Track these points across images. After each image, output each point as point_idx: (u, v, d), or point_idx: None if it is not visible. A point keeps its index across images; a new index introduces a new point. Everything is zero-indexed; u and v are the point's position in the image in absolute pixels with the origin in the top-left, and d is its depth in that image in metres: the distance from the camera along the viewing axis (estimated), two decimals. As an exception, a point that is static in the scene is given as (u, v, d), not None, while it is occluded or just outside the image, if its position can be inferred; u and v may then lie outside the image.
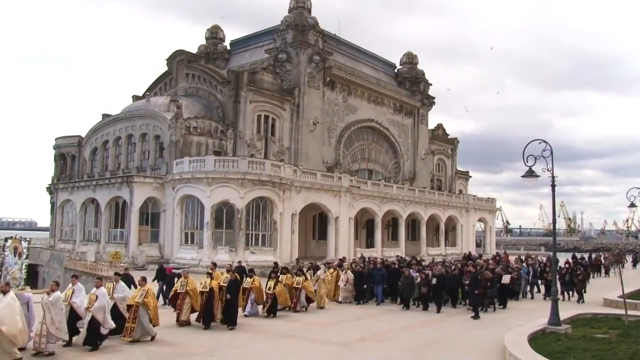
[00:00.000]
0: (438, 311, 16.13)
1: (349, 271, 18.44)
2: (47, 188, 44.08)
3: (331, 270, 18.88)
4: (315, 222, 42.63)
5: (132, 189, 32.40)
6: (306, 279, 16.30)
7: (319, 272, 17.90)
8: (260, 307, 15.01)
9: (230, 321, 13.00)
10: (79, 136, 43.24)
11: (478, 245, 57.75)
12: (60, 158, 44.20)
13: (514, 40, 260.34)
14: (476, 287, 15.61)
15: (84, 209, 36.70)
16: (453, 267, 19.63)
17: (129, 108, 40.42)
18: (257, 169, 31.20)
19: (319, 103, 44.06)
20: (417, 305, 17.01)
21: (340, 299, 17.97)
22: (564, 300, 18.89)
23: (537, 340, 11.05)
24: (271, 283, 15.12)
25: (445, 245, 50.53)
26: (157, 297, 16.04)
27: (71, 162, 43.44)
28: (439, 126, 60.82)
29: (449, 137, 61.77)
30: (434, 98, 57.78)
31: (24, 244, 11.95)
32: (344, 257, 24.80)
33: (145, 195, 32.64)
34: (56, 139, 44.80)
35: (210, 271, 14.11)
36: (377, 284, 18.15)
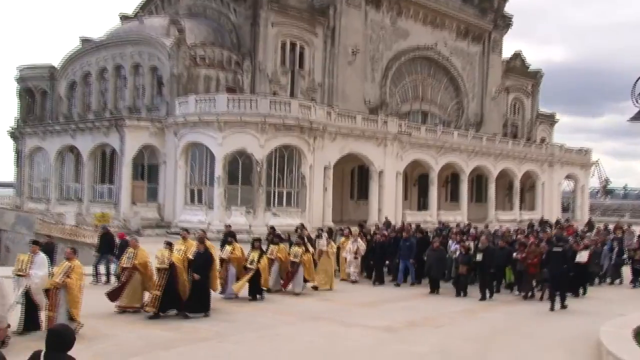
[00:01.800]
0: (482, 298, 15.37)
1: (359, 240, 18.05)
2: (9, 132, 41.87)
3: (343, 239, 18.51)
4: (354, 178, 42.54)
5: (122, 135, 32.67)
6: (307, 250, 15.71)
7: (320, 242, 17.25)
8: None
9: (198, 306, 12.08)
10: (51, 66, 42.45)
11: (565, 209, 56.65)
12: (27, 94, 42.83)
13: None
14: (562, 262, 14.74)
15: (60, 160, 37.43)
16: (511, 237, 18.93)
17: (117, 31, 40.40)
18: (282, 111, 30.97)
19: (360, 26, 42.91)
20: (458, 292, 16.15)
21: (352, 277, 17.77)
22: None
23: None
24: (254, 255, 14.41)
25: (521, 209, 49.79)
26: (96, 276, 16.23)
27: (41, 99, 42.99)
28: (517, 55, 58.62)
29: (530, 69, 59.62)
30: (510, 18, 55.39)
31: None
32: (386, 220, 24.57)
33: (139, 142, 32.92)
34: (20, 70, 43.19)
35: (182, 238, 13.58)
36: (403, 259, 17.57)
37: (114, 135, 33.15)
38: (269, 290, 14.87)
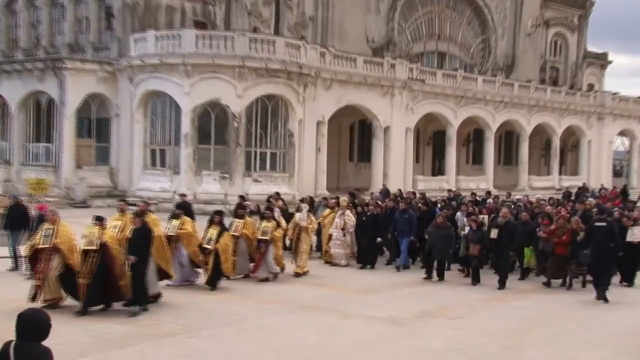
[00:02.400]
0: (501, 286, 15.02)
1: (347, 212, 17.73)
2: None
3: (326, 212, 18.30)
4: (354, 135, 42.54)
5: (62, 81, 32.29)
6: (278, 226, 15.52)
7: (297, 216, 16.96)
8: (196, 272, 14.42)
9: (136, 299, 11.78)
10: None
11: (617, 174, 56.98)
12: None
13: None
14: (608, 240, 14.31)
15: (-22, 111, 36.98)
16: (540, 209, 18.75)
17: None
18: (264, 52, 30.73)
19: (362, -58, 42.36)
20: (464, 273, 16.25)
21: (339, 261, 17.48)
22: None
23: None
24: (212, 232, 14.13)
25: (561, 174, 50.03)
26: (16, 259, 15.73)
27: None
28: (559, -21, 58.12)
29: (576, -3, 59.26)
30: None
31: None
32: (398, 193, 24.36)
33: (85, 90, 32.62)
34: None
35: (120, 210, 13.81)
36: (402, 236, 17.34)
37: (51, 81, 32.79)
38: (227, 278, 14.44)
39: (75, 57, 34.16)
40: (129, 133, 32.45)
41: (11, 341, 4.48)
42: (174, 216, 14.59)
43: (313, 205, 19.41)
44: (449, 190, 28.70)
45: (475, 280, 15.55)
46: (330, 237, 17.71)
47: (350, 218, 17.62)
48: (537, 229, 16.12)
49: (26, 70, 33.91)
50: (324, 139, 34.22)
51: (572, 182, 46.36)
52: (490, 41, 51.76)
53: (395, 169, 37.39)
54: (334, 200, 19.02)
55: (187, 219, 14.70)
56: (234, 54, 30.15)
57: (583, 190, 34.45)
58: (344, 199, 18.92)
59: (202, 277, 14.39)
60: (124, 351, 9.72)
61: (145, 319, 11.50)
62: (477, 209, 18.42)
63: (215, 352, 9.89)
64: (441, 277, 15.96)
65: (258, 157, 31.64)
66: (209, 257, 13.99)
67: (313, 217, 17.31)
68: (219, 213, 14.93)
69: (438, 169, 45.06)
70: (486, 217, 17.23)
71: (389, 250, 18.30)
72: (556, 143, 49.19)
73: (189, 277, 14.42)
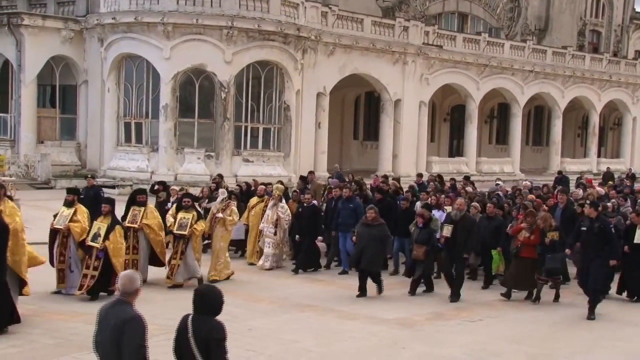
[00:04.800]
0: (454, 298, 13.85)
1: (281, 204, 16.60)
2: None
3: (254, 199, 17.36)
4: (359, 110, 42.55)
5: (20, 41, 32.15)
6: (200, 217, 14.53)
7: (213, 205, 15.84)
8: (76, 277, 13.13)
9: None
10: None
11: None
12: None
13: None
14: (600, 242, 13.11)
15: None
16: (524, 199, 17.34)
17: None
18: (256, 11, 30.65)
19: None
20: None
21: (264, 262, 16.32)
22: None
23: None
24: (101, 227, 13.00)
25: (600, 156, 50.07)
26: None
27: None
28: None
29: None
30: None
31: None
32: (337, 170, 23.42)
33: (47, 52, 32.57)
34: None
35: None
36: (343, 231, 16.09)
37: (6, 41, 32.74)
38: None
39: (35, 14, 33.93)
40: (99, 103, 32.48)
41: (189, 314, 5.96)
42: (67, 203, 13.48)
43: (234, 193, 17.92)
44: (419, 175, 26.18)
45: (412, 292, 14.26)
46: (260, 233, 16.72)
47: (285, 210, 16.52)
48: (510, 225, 14.78)
49: (-23, 28, 33.72)
50: (325, 114, 34.24)
51: (612, 166, 46.37)
52: (520, 0, 51.52)
53: (406, 149, 37.47)
54: (262, 187, 17.85)
55: (81, 207, 13.53)
56: (221, 13, 30.06)
57: (631, 177, 31.83)
58: (277, 186, 17.46)
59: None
60: (93, 355, 9.83)
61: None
62: (442, 198, 17.16)
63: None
64: (365, 292, 13.99)
65: (249, 134, 31.67)
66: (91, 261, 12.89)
67: (234, 207, 15.73)
68: (110, 200, 13.93)
69: (456, 150, 45.12)
70: (449, 209, 15.78)
71: (328, 249, 17.21)
72: (595, 120, 49.16)
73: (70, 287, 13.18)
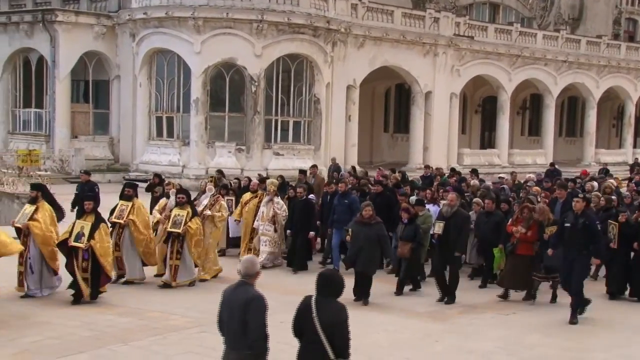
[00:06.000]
0: (449, 300, 13.01)
1: (276, 199, 15.88)
2: None
3: (246, 195, 16.50)
4: (390, 102, 42.38)
5: (54, 37, 32.37)
6: (194, 214, 13.83)
7: (200, 201, 15.21)
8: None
9: None
10: None
11: None
12: None
13: None
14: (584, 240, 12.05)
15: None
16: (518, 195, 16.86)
17: None
18: (286, 4, 30.65)
19: None
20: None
21: (262, 259, 15.09)
22: None
23: None
24: (84, 225, 12.22)
25: (636, 146, 49.53)
26: None
27: None
28: None
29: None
30: None
31: None
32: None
33: (80, 48, 32.78)
34: None
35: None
36: (338, 228, 15.17)
37: (40, 37, 32.99)
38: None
39: (69, 10, 34.23)
40: (131, 98, 32.66)
41: (310, 296, 6.47)
42: (30, 200, 12.94)
43: (227, 187, 17.27)
44: (427, 167, 24.85)
45: (399, 291, 13.61)
46: (253, 231, 15.96)
47: (282, 206, 15.77)
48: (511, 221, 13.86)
49: (12, 24, 34.01)
50: (355, 106, 34.15)
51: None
52: (553, -10, 51.04)
53: (437, 142, 37.23)
54: (256, 182, 17.17)
55: (44, 205, 12.69)
56: (251, 7, 30.11)
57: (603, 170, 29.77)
58: (271, 180, 16.63)
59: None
60: (127, 346, 9.98)
61: (152, 311, 11.77)
62: (435, 193, 16.47)
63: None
64: (365, 296, 12.89)
65: (279, 127, 31.72)
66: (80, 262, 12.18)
67: (223, 202, 15.28)
68: (89, 196, 13.62)
69: (488, 142, 44.72)
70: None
71: (302, 250, 15.96)
72: (631, 110, 48.48)
73: (48, 284, 12.65)
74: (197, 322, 11.21)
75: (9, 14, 35.02)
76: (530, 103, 47.63)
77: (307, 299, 6.51)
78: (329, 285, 6.52)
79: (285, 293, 13.36)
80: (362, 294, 12.84)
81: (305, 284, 13.74)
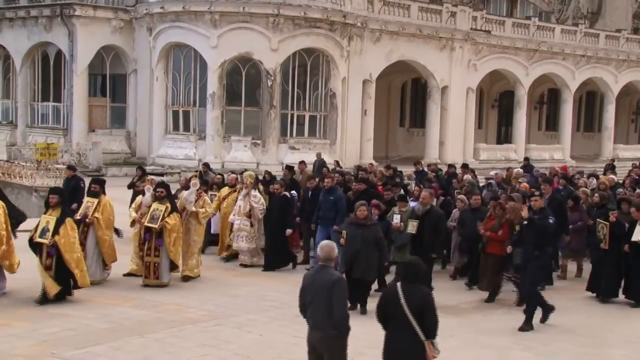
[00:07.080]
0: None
1: (254, 193, 15.22)
2: None
3: (225, 189, 16.23)
4: (406, 97, 42.27)
5: (72, 31, 32.54)
6: (173, 210, 13.16)
7: (184, 195, 14.27)
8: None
9: None
10: None
11: None
12: None
13: None
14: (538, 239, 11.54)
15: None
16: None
17: None
18: (301, -3, 30.74)
19: None
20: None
21: (243, 257, 15.15)
22: None
23: None
24: (49, 220, 11.68)
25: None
26: None
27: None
28: None
29: None
30: None
31: None
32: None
33: (98, 42, 32.93)
34: None
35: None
36: (323, 225, 14.60)
37: (59, 31, 33.20)
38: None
39: (86, 4, 34.26)
40: (148, 92, 32.78)
41: (395, 283, 7.04)
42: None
43: (209, 182, 16.93)
44: (417, 163, 22.62)
45: (381, 285, 12.91)
46: (232, 225, 15.44)
47: (259, 200, 15.15)
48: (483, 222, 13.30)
49: (31, 18, 34.27)
50: (371, 101, 34.10)
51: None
52: (571, -16, 50.68)
53: (453, 136, 37.12)
54: (233, 175, 16.66)
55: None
56: (267, 1, 30.12)
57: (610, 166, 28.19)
58: (249, 173, 15.97)
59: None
60: (144, 338, 10.05)
61: (168, 304, 11.84)
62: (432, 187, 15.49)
63: (244, 342, 10.12)
64: (363, 303, 11.99)
65: (295, 121, 31.79)
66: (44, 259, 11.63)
67: (207, 198, 14.75)
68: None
69: (504, 137, 44.50)
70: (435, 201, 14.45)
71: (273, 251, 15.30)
72: (649, 105, 48.17)
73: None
74: (213, 315, 11.28)
75: (28, 8, 35.14)
76: (547, 98, 47.35)
77: (392, 286, 7.05)
78: (415, 273, 7.06)
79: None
80: (358, 301, 11.89)
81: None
